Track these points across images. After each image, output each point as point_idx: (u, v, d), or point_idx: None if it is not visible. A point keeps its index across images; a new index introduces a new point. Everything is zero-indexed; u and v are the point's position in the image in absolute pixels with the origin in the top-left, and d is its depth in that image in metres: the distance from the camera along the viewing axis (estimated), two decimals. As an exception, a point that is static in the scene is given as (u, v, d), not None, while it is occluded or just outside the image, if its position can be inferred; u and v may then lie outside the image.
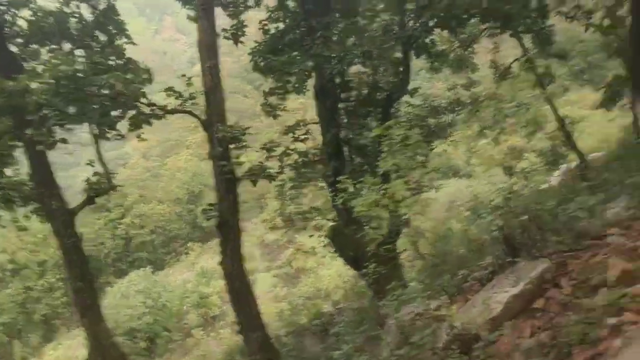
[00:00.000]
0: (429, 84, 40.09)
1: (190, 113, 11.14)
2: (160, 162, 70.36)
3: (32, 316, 43.22)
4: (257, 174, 11.02)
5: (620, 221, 5.96)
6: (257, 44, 15.33)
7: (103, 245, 58.64)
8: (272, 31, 15.17)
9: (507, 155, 20.67)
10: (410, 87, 14.63)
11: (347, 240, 14.17)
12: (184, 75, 11.09)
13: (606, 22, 14.38)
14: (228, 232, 11.06)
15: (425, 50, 15.49)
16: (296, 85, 15.86)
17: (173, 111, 11.19)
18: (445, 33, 20.37)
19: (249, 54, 15.58)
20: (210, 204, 11.57)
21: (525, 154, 20.55)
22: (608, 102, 14.79)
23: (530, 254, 5.71)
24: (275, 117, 16.73)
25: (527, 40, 20.69)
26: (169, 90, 10.92)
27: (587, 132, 40.47)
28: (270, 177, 11.49)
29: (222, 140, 10.72)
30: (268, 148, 11.64)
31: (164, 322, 39.41)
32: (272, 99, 16.46)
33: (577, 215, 5.93)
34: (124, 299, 37.82)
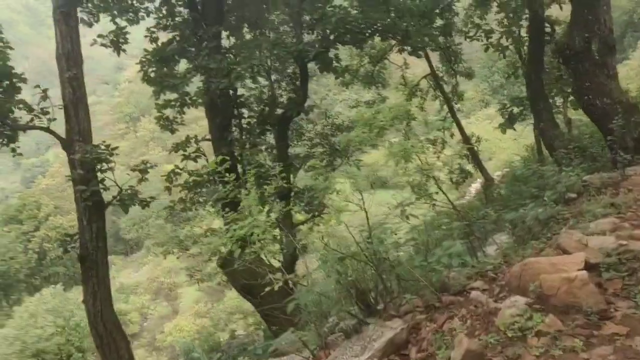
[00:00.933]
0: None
1: (46, 130, 9.73)
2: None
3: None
4: (128, 199, 9.75)
5: (486, 272, 5.29)
6: (146, 53, 14.11)
7: (14, 259, 54.47)
8: (163, 40, 14.03)
9: (417, 172, 20.35)
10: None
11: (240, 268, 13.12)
12: (37, 86, 9.66)
13: (508, 42, 14.32)
14: (91, 266, 9.71)
15: (326, 65, 14.79)
16: (193, 98, 14.71)
17: (25, 127, 9.74)
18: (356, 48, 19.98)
19: (137, 64, 14.33)
20: (69, 234, 10.18)
21: (437, 172, 20.28)
22: (506, 123, 14.67)
23: (385, 312, 4.92)
24: (172, 131, 15.50)
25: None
26: (20, 103, 9.47)
27: (502, 148, 41.59)
28: (144, 203, 10.24)
29: (83, 161, 9.40)
30: (141, 169, 10.38)
31: (77, 342, 37.01)
32: (168, 112, 15.24)
33: (441, 263, 5.21)
34: (32, 318, 35.27)
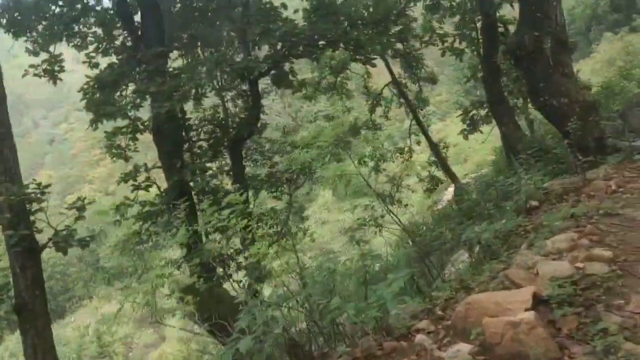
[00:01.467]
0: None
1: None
2: (61, 200, 65.49)
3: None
4: (62, 241, 8.98)
5: (434, 308, 4.69)
6: (87, 80, 13.39)
7: None
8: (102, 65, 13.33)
9: (387, 183, 19.82)
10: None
11: (202, 299, 12.39)
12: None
13: (462, 45, 13.92)
14: (28, 317, 8.89)
15: (280, 80, 14.25)
16: (146, 123, 13.99)
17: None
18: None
19: (78, 91, 13.59)
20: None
21: (404, 181, 19.78)
22: (468, 129, 14.22)
23: (320, 366, 4.29)
24: (126, 159, 14.72)
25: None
26: None
27: (475, 150, 41.38)
28: (82, 243, 9.47)
29: (9, 203, 8.62)
30: (79, 207, 9.61)
31: None
32: (121, 139, 14.48)
33: (381, 302, 4.59)
34: (12, 358, 33.86)
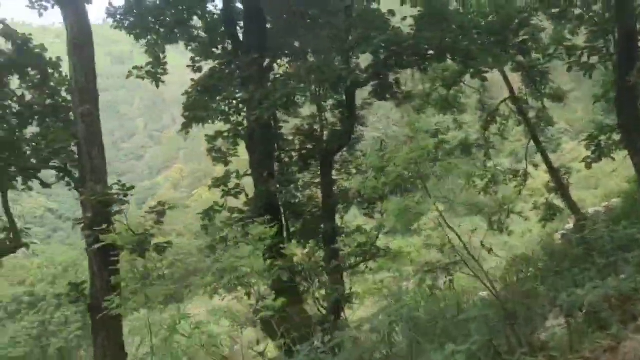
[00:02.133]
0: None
1: (56, 169, 9.19)
2: (188, 193, 70.14)
3: (47, 350, 41.88)
4: (142, 244, 8.88)
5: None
6: (192, 84, 13.57)
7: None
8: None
9: (495, 206, 18.09)
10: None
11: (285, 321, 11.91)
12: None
13: (593, 60, 12.08)
14: (101, 319, 8.90)
15: (384, 90, 13.42)
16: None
17: (39, 167, 9.26)
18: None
19: (182, 94, 13.82)
20: (75, 283, 9.48)
21: (517, 209, 17.90)
22: (594, 157, 12.26)
23: None
24: (226, 163, 14.76)
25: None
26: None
27: (588, 183, 37.06)
28: (159, 249, 9.33)
29: (91, 203, 8.69)
30: (159, 211, 9.50)
31: None
32: (222, 144, 14.56)
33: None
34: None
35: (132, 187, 9.37)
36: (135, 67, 12.14)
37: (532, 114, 18.37)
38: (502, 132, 18.50)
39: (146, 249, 9.10)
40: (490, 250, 9.41)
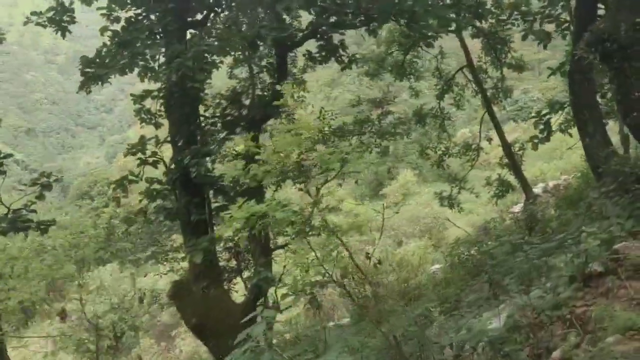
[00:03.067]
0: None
1: None
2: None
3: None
4: (13, 223, 7.64)
5: None
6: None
7: (83, 233, 55.91)
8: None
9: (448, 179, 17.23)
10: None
11: (194, 301, 10.88)
12: None
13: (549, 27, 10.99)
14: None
15: (329, 52, 12.19)
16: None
17: None
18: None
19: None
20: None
21: (467, 184, 17.07)
22: (541, 136, 11.27)
23: None
24: (157, 126, 13.37)
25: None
26: None
27: (551, 155, 36.44)
28: (42, 227, 8.09)
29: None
30: (43, 184, 8.20)
31: (130, 321, 37.30)
32: (151, 104, 13.14)
33: None
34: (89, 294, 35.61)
35: (10, 155, 8.02)
36: (34, 13, 10.52)
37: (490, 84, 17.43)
38: (458, 102, 17.48)
39: (22, 227, 7.87)
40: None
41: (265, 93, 10.96)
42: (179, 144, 10.19)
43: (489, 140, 16.57)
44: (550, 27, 11.15)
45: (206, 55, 9.23)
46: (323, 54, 12.45)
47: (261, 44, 9.52)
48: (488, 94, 17.61)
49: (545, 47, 10.94)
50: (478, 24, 14.27)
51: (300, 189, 12.78)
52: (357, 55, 13.40)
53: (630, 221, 6.78)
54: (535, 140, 10.94)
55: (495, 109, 19.34)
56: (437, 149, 17.78)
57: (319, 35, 11.29)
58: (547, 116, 10.79)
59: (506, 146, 15.22)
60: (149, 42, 9.79)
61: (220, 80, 14.41)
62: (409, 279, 17.07)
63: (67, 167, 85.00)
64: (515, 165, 15.07)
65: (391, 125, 13.09)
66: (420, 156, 18.33)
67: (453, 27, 15.35)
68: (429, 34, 10.38)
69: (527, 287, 5.60)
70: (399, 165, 45.87)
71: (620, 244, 5.33)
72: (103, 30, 10.31)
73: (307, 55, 11.38)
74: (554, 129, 13.06)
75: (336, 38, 12.33)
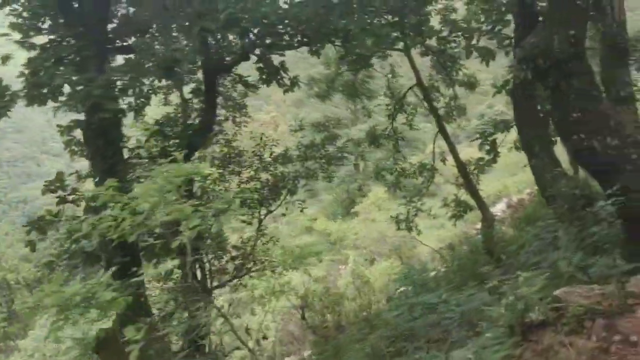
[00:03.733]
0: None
1: None
2: None
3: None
4: None
5: None
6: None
7: None
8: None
9: (401, 205, 16.50)
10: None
11: (120, 353, 9.81)
12: None
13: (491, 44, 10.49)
14: None
15: (270, 75, 11.48)
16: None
17: None
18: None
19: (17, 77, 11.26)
20: None
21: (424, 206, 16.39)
22: (488, 157, 10.63)
23: None
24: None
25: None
26: None
27: (514, 169, 36.47)
28: None
29: None
30: None
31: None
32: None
33: None
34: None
35: None
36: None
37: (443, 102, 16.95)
38: (410, 122, 16.91)
39: None
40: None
41: (193, 122, 10.11)
42: (96, 179, 9.26)
43: (444, 160, 15.98)
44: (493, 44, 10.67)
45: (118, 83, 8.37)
46: (264, 77, 11.78)
47: (177, 69, 8.68)
48: (442, 112, 17.14)
49: (487, 64, 10.42)
50: (426, 42, 13.80)
51: (243, 221, 11.99)
52: (300, 77, 12.71)
53: (579, 254, 6.15)
54: (481, 162, 10.32)
55: (453, 127, 18.93)
56: (392, 170, 17.13)
57: (257, 58, 10.57)
58: (492, 136, 10.22)
59: (461, 166, 14.62)
60: (56, 71, 8.86)
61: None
62: (372, 303, 16.30)
63: (32, 196, 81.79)
64: (470, 185, 14.46)
65: (336, 150, 12.38)
66: (376, 179, 17.60)
67: (400, 46, 14.97)
68: (369, 54, 9.73)
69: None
70: (370, 182, 45.41)
71: (560, 290, 4.63)
72: (4, 59, 9.38)
73: (238, 80, 10.60)
74: (512, 146, 12.58)
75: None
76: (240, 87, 13.22)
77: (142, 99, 9.77)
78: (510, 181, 36.81)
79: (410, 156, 20.77)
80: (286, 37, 10.49)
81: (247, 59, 10.26)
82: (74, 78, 9.38)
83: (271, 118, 74.66)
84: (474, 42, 10.65)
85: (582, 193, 7.57)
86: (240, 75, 10.88)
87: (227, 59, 10.01)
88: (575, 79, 5.54)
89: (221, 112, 12.44)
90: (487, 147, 10.05)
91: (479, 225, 22.75)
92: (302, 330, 18.23)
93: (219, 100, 11.71)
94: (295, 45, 10.74)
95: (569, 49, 5.42)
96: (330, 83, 17.22)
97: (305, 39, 10.51)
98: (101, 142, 9.38)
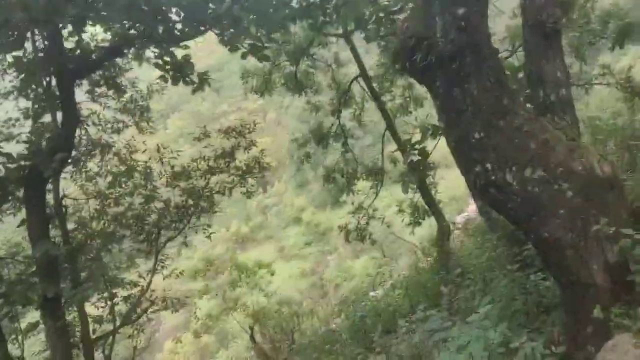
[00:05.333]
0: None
1: None
2: None
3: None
4: None
5: None
6: None
7: None
8: None
9: (355, 212, 14.51)
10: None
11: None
12: None
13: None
14: None
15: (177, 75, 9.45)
16: None
17: None
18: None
19: None
20: None
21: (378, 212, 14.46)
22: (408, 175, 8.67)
23: None
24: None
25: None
26: None
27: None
28: None
29: None
30: None
31: None
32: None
33: None
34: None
35: None
36: None
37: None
38: (358, 117, 14.95)
39: None
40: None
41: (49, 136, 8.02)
42: None
43: (394, 162, 14.04)
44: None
45: None
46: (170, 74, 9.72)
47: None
48: (395, 104, 15.23)
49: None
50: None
51: (139, 249, 10.04)
52: (210, 74, 10.65)
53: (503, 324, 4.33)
54: (405, 186, 8.31)
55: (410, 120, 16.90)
56: (343, 172, 15.16)
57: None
58: (420, 145, 8.27)
59: (412, 168, 12.69)
60: None
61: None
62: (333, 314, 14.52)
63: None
64: (423, 190, 12.54)
65: (252, 160, 10.36)
66: (326, 181, 15.60)
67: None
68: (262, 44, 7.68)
69: None
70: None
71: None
72: None
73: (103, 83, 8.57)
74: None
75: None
76: (142, 89, 11.23)
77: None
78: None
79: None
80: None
81: (118, 54, 8.23)
82: None
83: (259, 106, 71.95)
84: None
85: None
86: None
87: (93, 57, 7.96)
88: (474, 82, 3.61)
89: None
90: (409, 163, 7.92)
91: (457, 219, 20.76)
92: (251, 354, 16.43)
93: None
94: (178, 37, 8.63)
95: (460, 36, 3.48)
96: (268, 76, 15.19)
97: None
98: None
